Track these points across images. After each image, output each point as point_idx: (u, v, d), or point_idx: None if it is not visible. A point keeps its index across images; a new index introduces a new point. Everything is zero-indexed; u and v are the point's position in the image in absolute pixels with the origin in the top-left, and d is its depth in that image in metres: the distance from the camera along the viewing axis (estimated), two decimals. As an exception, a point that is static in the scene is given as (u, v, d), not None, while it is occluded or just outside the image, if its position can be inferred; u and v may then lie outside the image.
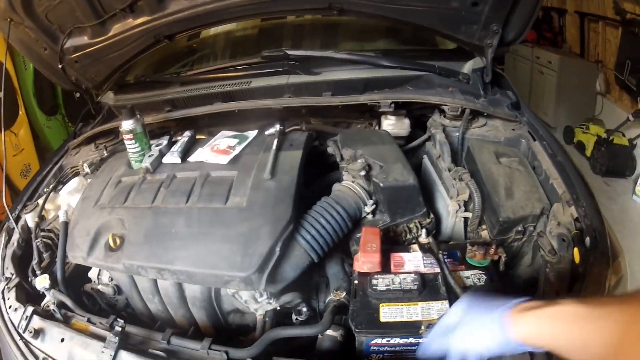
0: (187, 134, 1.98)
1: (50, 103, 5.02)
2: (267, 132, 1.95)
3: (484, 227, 1.74)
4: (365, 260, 1.44)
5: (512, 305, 1.03)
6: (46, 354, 1.45)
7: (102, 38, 2.29)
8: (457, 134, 2.02)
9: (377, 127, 2.22)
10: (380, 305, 1.34)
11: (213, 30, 2.87)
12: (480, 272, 1.45)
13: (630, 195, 4.92)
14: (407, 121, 2.18)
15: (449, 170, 1.83)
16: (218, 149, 1.85)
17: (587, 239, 1.46)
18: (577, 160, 5.37)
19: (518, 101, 2.21)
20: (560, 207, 1.63)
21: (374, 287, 1.38)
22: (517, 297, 1.06)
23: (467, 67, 2.29)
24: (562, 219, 1.59)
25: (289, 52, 2.21)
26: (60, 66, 2.42)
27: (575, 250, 1.44)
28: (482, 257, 1.47)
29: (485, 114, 2.09)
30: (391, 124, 2.17)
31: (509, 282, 1.62)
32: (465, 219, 1.74)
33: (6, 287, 1.71)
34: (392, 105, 2.07)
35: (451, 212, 1.72)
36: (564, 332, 0.92)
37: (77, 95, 2.70)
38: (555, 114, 6.27)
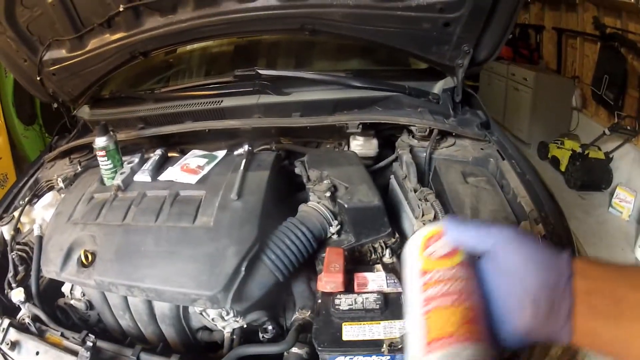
0: (158, 152, 2.00)
1: (28, 112, 4.98)
2: (236, 152, 1.97)
3: (450, 246, 1.76)
4: (329, 280, 1.45)
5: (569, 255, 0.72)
6: (22, 367, 1.46)
7: (80, 52, 2.30)
8: (425, 154, 2.05)
9: (346, 148, 2.25)
10: (343, 324, 1.36)
11: (189, 47, 2.88)
12: (445, 290, 1.46)
13: (607, 208, 5.02)
14: (375, 142, 2.20)
15: (415, 191, 1.84)
16: (188, 168, 1.86)
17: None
18: (552, 175, 5.52)
19: (488, 121, 2.25)
20: (528, 225, 1.65)
21: (336, 307, 1.40)
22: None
23: (438, 87, 2.33)
24: (530, 236, 1.61)
25: (261, 71, 2.24)
26: (38, 78, 2.43)
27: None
28: (445, 277, 1.48)
29: (454, 134, 2.13)
30: (359, 145, 2.19)
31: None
32: (431, 239, 1.75)
33: (-18, 299, 1.72)
34: (360, 126, 2.10)
35: (416, 232, 1.74)
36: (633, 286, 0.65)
37: (55, 106, 2.70)
38: (530, 130, 6.39)
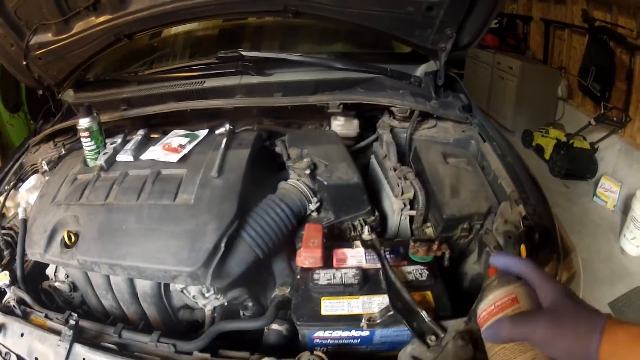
0: (141, 132, 2.00)
1: (14, 100, 4.94)
2: (217, 132, 1.98)
3: (429, 224, 1.79)
4: (307, 255, 1.47)
5: (605, 317, 0.89)
6: (8, 349, 1.47)
7: (65, 35, 2.29)
8: (405, 134, 2.07)
9: (327, 128, 2.26)
10: (322, 298, 1.38)
11: (174, 30, 2.88)
12: (423, 267, 1.48)
13: (591, 197, 5.06)
14: (356, 122, 2.22)
15: (394, 170, 1.87)
16: (169, 147, 1.87)
17: (536, 236, 1.51)
18: (536, 164, 5.56)
19: (470, 104, 2.27)
20: (508, 206, 1.67)
21: (315, 282, 1.42)
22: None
23: (420, 70, 2.35)
24: (510, 217, 1.63)
25: (244, 53, 2.24)
26: (24, 62, 2.41)
27: (522, 246, 1.47)
28: (424, 253, 1.50)
29: (435, 115, 2.15)
30: (340, 125, 2.21)
31: (453, 278, 1.68)
32: (411, 217, 1.79)
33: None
34: (341, 106, 2.13)
35: (396, 210, 1.76)
36: None
37: (40, 92, 2.69)
38: (515, 118, 6.45)
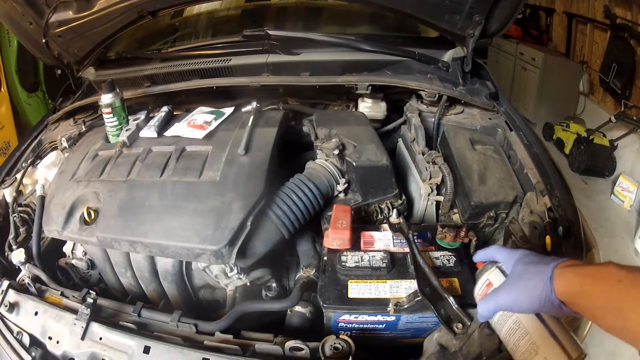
0: (165, 109, 1.98)
1: (31, 80, 4.96)
2: (243, 110, 1.95)
3: (455, 210, 1.76)
4: (335, 236, 1.45)
5: (560, 261, 1.01)
6: (20, 328, 1.45)
7: (87, 13, 2.28)
8: (433, 119, 2.04)
9: (353, 110, 2.24)
10: (349, 281, 1.35)
11: (196, 9, 2.86)
12: (450, 253, 1.45)
13: (609, 195, 4.99)
14: (383, 104, 2.19)
15: (423, 154, 1.84)
16: (194, 124, 1.84)
17: (560, 228, 1.48)
18: (556, 157, 5.37)
19: (497, 91, 2.24)
20: (534, 196, 1.65)
21: (342, 264, 1.39)
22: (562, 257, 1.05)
23: (448, 55, 2.31)
24: (535, 207, 1.61)
25: (270, 32, 2.21)
26: (44, 40, 2.40)
27: (547, 238, 1.45)
28: (452, 240, 1.48)
29: (463, 101, 2.12)
30: (368, 107, 2.18)
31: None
32: (437, 203, 1.76)
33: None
34: (370, 88, 2.09)
35: (423, 195, 1.74)
36: (602, 293, 0.89)
37: (59, 72, 2.68)
38: (536, 110, 6.33)
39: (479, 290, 1.21)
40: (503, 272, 1.17)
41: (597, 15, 5.69)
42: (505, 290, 1.08)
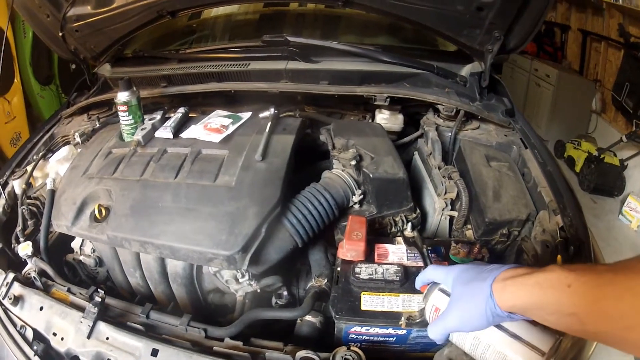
0: (181, 110, 1.97)
1: (45, 73, 4.96)
2: (261, 115, 1.93)
3: (469, 226, 1.75)
4: (350, 247, 1.44)
5: (498, 274, 1.01)
6: (24, 322, 1.43)
7: (105, 9, 2.28)
8: (450, 134, 2.03)
9: (370, 120, 2.23)
10: (362, 293, 1.34)
11: (214, 12, 2.86)
12: (463, 270, 1.44)
13: (617, 215, 4.97)
14: (400, 117, 2.19)
15: (439, 168, 1.83)
16: (211, 127, 1.83)
17: (571, 248, 1.47)
18: (566, 175, 5.40)
19: (513, 108, 2.24)
20: (547, 215, 1.65)
21: (356, 275, 1.38)
22: (503, 265, 1.05)
23: (465, 70, 2.32)
24: (548, 226, 1.61)
25: (290, 38, 2.21)
26: (60, 34, 2.40)
27: (559, 257, 1.44)
28: (465, 255, 1.48)
29: (479, 117, 2.11)
30: (385, 118, 2.17)
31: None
32: (451, 218, 1.75)
33: (-12, 252, 1.69)
34: (388, 99, 2.09)
35: (437, 209, 1.72)
36: (554, 301, 0.88)
37: (73, 66, 2.69)
38: (548, 127, 6.32)
39: (428, 316, 1.22)
40: (446, 292, 1.17)
41: (611, 34, 5.68)
42: (451, 313, 1.09)
